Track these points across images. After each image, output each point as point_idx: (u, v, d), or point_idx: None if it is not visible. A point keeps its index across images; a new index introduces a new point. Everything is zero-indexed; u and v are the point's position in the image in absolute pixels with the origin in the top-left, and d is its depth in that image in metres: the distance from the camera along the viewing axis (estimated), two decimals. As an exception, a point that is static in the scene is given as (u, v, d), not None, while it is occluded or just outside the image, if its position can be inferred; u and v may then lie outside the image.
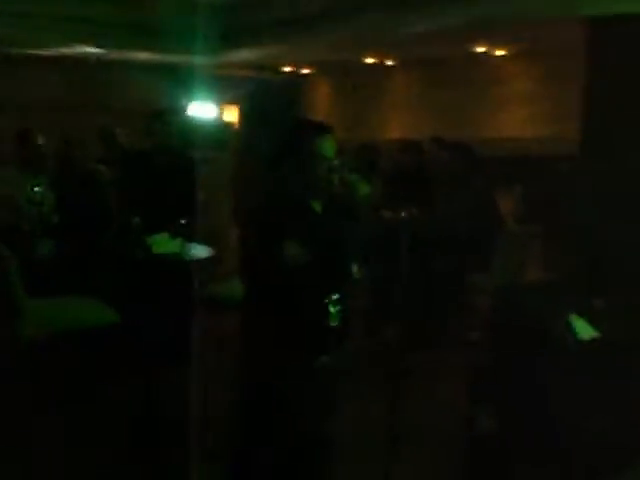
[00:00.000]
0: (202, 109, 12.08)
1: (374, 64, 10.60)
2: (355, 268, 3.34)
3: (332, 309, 3.14)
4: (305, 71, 12.46)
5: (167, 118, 5.95)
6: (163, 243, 5.03)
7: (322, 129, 3.27)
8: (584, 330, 4.03)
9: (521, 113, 9.36)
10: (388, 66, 10.81)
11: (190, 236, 5.27)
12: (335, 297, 3.16)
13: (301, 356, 3.14)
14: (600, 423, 4.15)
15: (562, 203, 6.31)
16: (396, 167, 7.36)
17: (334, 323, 3.15)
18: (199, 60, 9.61)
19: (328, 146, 3.19)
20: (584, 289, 4.48)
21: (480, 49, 8.61)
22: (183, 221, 5.29)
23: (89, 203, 6.14)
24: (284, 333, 3.10)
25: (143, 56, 10.58)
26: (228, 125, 13.22)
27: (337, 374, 3.29)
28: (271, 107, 12.21)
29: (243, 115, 13.72)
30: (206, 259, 5.31)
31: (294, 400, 3.16)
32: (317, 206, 3.22)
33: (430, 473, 4.38)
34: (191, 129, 9.66)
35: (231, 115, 13.66)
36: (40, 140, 5.96)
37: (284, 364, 3.13)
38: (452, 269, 6.34)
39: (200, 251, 5.33)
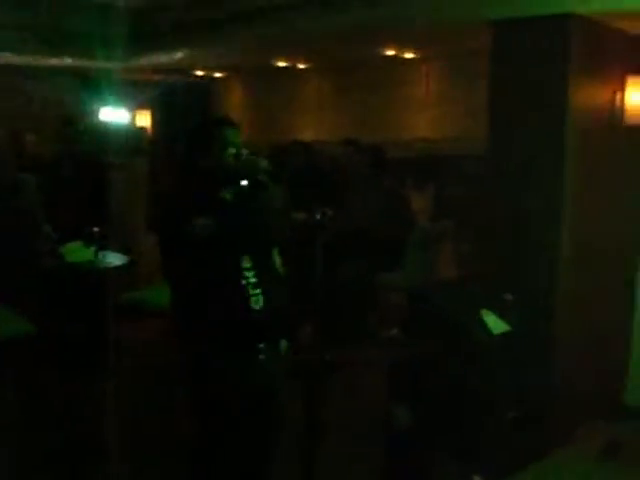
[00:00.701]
0: (114, 114, 11.93)
1: (286, 67, 10.64)
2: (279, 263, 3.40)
3: (251, 291, 3.17)
4: (217, 74, 12.41)
5: (77, 124, 5.88)
6: (76, 251, 4.98)
7: (226, 121, 3.42)
8: (495, 325, 4.16)
9: (432, 114, 9.52)
10: (300, 69, 10.85)
11: (104, 244, 5.23)
12: (253, 281, 3.19)
13: (233, 345, 3.18)
14: (515, 415, 4.30)
15: (470, 201, 6.49)
16: (301, 168, 7.41)
17: (256, 306, 3.17)
18: (110, 65, 9.50)
19: (233, 135, 3.29)
20: (494, 285, 4.62)
21: (390, 52, 8.73)
22: (96, 229, 5.23)
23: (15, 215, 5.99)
24: (211, 323, 3.16)
25: (53, 61, 10.38)
26: (141, 130, 13.07)
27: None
28: (182, 111, 12.15)
29: (156, 120, 13.59)
30: (121, 266, 5.28)
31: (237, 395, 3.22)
32: (227, 195, 3.26)
33: (351, 468, 4.44)
34: (103, 134, 9.56)
35: (143, 120, 13.51)
36: None
37: (219, 355, 3.18)
38: (366, 267, 6.42)
39: (115, 259, 5.29)
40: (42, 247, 4.96)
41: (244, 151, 3.27)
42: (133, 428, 4.47)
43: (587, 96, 4.89)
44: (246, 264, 3.20)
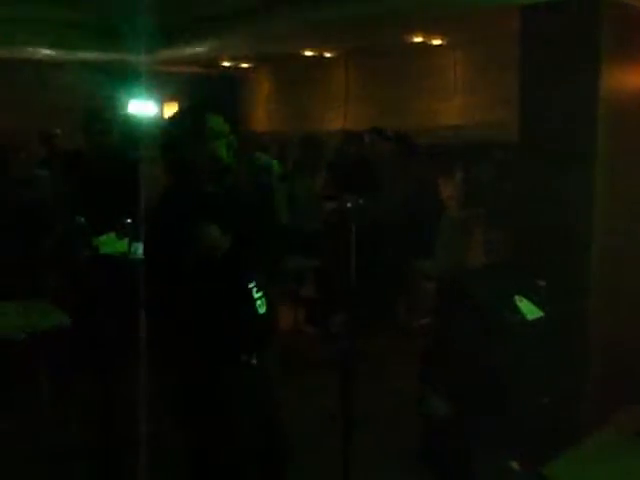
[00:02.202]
0: (142, 107, 11.98)
1: (314, 56, 10.63)
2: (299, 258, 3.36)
3: (256, 295, 3.09)
4: (244, 65, 12.43)
5: (106, 117, 5.89)
6: (110, 243, 5.00)
7: (209, 107, 3.21)
8: (529, 310, 4.14)
9: (461, 101, 9.48)
10: (327, 58, 10.85)
11: (136, 235, 5.25)
12: (256, 285, 3.10)
13: (237, 351, 3.08)
14: (550, 400, 4.28)
15: (501, 188, 6.45)
16: (339, 158, 7.43)
17: (261, 310, 3.10)
18: (138, 58, 9.54)
19: (218, 122, 3.11)
20: (526, 271, 4.60)
21: (418, 39, 8.70)
22: (129, 220, 5.26)
23: (30, 207, 6.08)
24: (216, 327, 3.03)
25: (81, 55, 10.44)
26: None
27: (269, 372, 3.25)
28: (210, 102, 12.17)
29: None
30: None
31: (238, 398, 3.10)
32: (217, 187, 3.11)
33: (386, 456, 4.46)
34: (131, 127, 9.59)
35: (172, 112, 13.55)
36: None
37: (222, 361, 3.07)
38: (396, 256, 6.43)
39: (145, 250, 5.32)
40: (76, 239, 4.99)
41: (233, 142, 3.12)
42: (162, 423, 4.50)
43: (619, 80, 4.83)
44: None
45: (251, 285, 3.07)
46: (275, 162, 7.59)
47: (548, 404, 4.29)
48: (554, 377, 4.34)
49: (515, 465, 3.26)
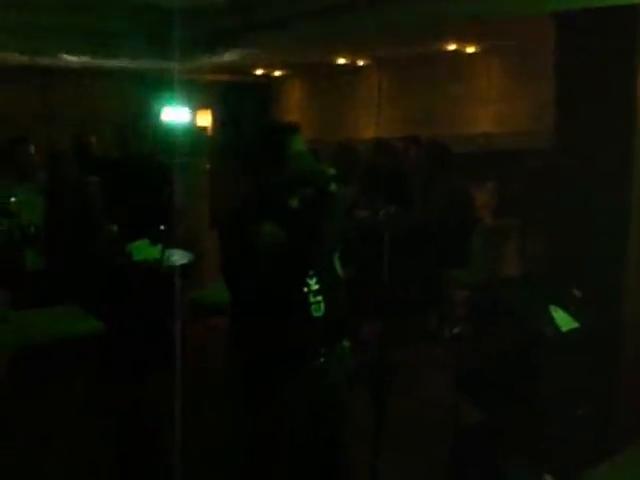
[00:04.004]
0: (175, 114, 12.05)
1: (346, 64, 10.65)
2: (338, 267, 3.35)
3: (312, 299, 3.13)
4: (277, 73, 12.48)
5: (140, 126, 5.93)
6: (143, 250, 5.03)
7: (291, 128, 3.31)
8: (564, 321, 4.10)
9: (494, 109, 9.44)
10: (360, 66, 10.86)
11: (169, 242, 5.28)
12: (315, 288, 3.15)
13: (293, 354, 3.13)
14: (584, 412, 4.23)
15: (535, 197, 6.41)
16: (372, 167, 7.41)
17: (317, 313, 3.13)
18: (170, 65, 9.59)
19: (299, 142, 3.22)
20: (562, 281, 4.56)
21: (451, 47, 8.69)
22: (162, 227, 5.29)
23: (80, 215, 6.12)
24: (271, 331, 3.10)
25: (114, 63, 10.54)
26: (202, 130, 13.20)
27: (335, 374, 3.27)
28: (243, 110, 12.22)
29: (217, 120, 13.70)
30: (187, 264, 5.33)
31: (296, 403, 3.16)
32: (294, 202, 3.19)
33: (419, 467, 4.42)
34: (164, 135, 9.64)
35: (204, 120, 13.64)
36: (32, 150, 5.96)
37: (279, 364, 3.13)
38: (430, 266, 6.40)
39: (180, 257, 5.34)
40: (109, 246, 5.03)
41: (310, 157, 3.24)
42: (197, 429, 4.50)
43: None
44: (309, 271, 3.17)
45: (306, 289, 3.12)
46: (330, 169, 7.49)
47: (583, 416, 4.25)
48: (589, 389, 4.30)
49: (549, 479, 3.22)
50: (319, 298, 3.15)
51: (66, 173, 6.55)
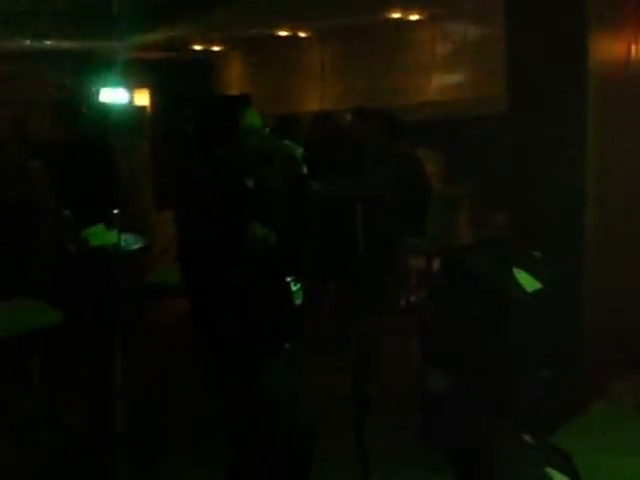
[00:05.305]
0: (113, 95, 11.80)
1: (288, 37, 10.54)
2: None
3: (294, 287, 3.09)
4: (216, 48, 12.30)
5: (78, 106, 5.79)
6: (100, 235, 4.92)
7: (243, 101, 3.18)
8: (528, 283, 4.13)
9: (440, 77, 9.44)
10: (302, 38, 10.75)
11: (122, 226, 5.18)
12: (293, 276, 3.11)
13: (275, 340, 3.10)
14: (548, 372, 4.29)
15: (486, 162, 6.45)
16: (311, 139, 7.36)
17: (298, 301, 3.11)
18: (107, 44, 9.40)
19: (253, 117, 3.09)
20: (522, 243, 4.60)
21: (395, 15, 8.63)
22: (116, 211, 5.18)
23: (24, 201, 5.96)
24: (255, 317, 3.03)
25: (50, 44, 10.28)
26: (141, 109, 12.97)
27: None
28: (179, 87, 12.05)
29: (156, 98, 13.48)
30: (143, 248, 5.26)
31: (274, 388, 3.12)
32: (250, 183, 3.05)
33: (393, 437, 4.43)
34: (104, 116, 9.46)
35: (143, 99, 13.40)
36: None
37: (260, 350, 3.08)
38: (386, 235, 6.40)
39: (132, 241, 5.26)
40: (65, 232, 4.91)
41: (267, 130, 3.12)
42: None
43: (604, 49, 4.83)
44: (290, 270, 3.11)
45: (289, 278, 3.07)
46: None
47: (550, 376, 4.31)
48: (554, 349, 4.36)
49: (529, 438, 3.26)
50: (299, 285, 3.11)
51: (4, 158, 6.39)
